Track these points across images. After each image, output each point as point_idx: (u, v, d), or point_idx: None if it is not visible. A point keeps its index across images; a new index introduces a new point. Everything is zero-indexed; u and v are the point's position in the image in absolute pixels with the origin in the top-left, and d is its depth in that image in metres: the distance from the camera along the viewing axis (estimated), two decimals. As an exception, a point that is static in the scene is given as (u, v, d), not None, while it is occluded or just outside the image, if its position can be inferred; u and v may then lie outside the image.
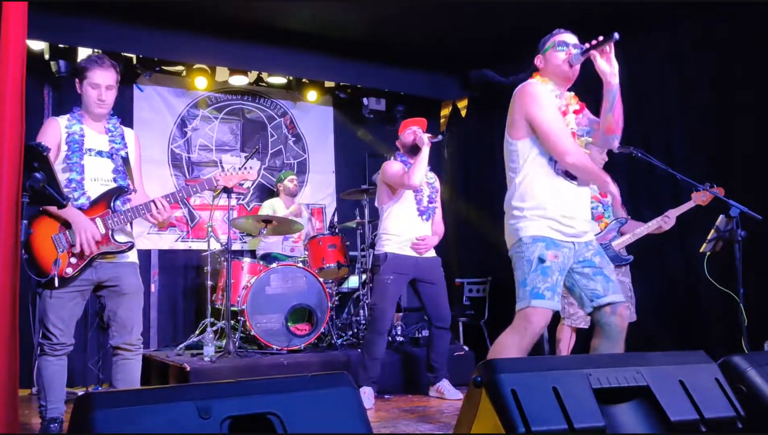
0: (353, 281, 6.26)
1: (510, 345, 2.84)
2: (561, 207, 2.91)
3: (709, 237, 4.10)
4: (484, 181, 6.99)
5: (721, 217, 4.02)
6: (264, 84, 6.87)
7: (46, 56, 5.55)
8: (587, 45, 2.91)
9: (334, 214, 6.70)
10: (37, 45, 5.52)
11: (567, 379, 1.88)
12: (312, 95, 6.87)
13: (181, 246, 6.41)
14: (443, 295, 4.65)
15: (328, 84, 6.91)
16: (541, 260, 2.82)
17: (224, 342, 5.09)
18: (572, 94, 3.09)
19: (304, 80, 6.72)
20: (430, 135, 4.50)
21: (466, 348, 5.60)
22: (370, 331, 4.54)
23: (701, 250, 4.16)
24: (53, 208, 3.03)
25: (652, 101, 5.40)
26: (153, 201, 3.21)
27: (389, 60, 6.49)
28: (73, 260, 3.09)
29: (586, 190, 3.04)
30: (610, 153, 4.56)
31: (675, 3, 5.02)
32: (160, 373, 4.98)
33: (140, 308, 3.31)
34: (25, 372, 4.92)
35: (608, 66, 2.88)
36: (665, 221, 4.36)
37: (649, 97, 5.42)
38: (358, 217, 6.11)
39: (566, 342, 4.42)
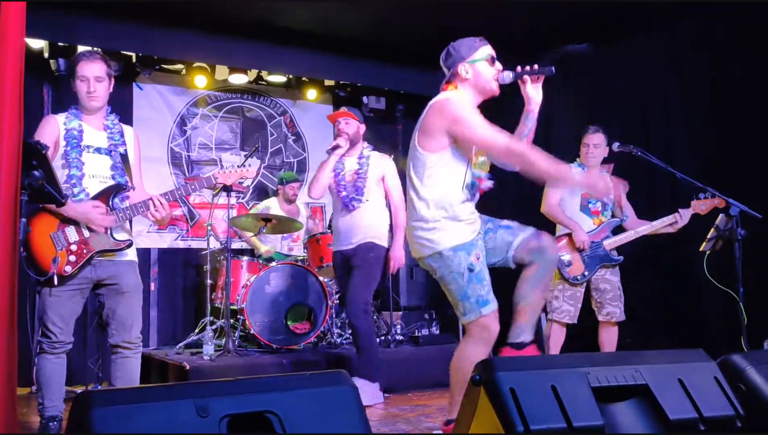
0: (353, 280, 6.25)
1: (479, 355, 2.87)
2: (467, 213, 2.97)
3: (708, 236, 4.11)
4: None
5: (721, 215, 4.03)
6: (264, 82, 6.87)
7: (46, 54, 5.54)
8: (520, 69, 2.95)
9: (333, 213, 6.70)
10: (37, 43, 5.51)
11: (566, 377, 1.88)
12: (312, 94, 6.87)
13: (180, 244, 6.41)
14: (357, 280, 4.38)
15: (328, 82, 6.91)
16: (471, 269, 2.88)
17: (224, 341, 5.09)
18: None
19: (303, 79, 6.72)
20: (336, 143, 4.43)
21: (465, 347, 5.59)
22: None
23: (701, 249, 4.16)
24: (52, 208, 3.03)
25: (652, 101, 5.40)
26: (151, 198, 3.21)
27: (389, 58, 6.48)
28: (72, 258, 3.09)
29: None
30: (610, 152, 4.57)
31: (675, 3, 5.01)
32: (159, 372, 4.98)
33: (139, 306, 3.31)
34: (23, 370, 4.92)
35: (537, 94, 2.98)
36: (677, 219, 4.34)
37: (649, 97, 5.42)
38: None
39: (554, 339, 4.42)
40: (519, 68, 2.96)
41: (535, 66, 2.93)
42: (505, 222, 3.06)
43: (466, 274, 2.89)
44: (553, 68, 2.91)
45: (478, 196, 3.07)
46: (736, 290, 3.81)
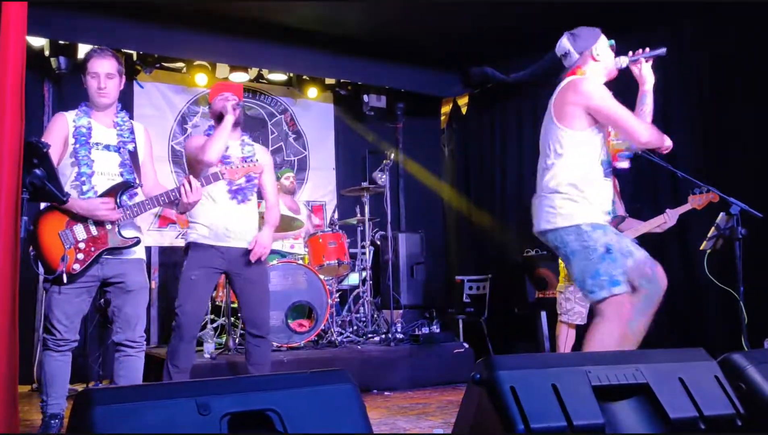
0: (353, 278, 6.26)
1: (614, 333, 2.88)
2: (604, 198, 3.05)
3: (709, 235, 4.10)
4: (484, 177, 6.99)
5: (721, 214, 4.02)
6: (264, 81, 6.87)
7: (47, 53, 5.55)
8: (632, 54, 3.17)
9: (334, 211, 6.71)
10: (38, 41, 5.52)
11: (566, 376, 1.88)
12: (312, 92, 6.87)
13: (181, 243, 6.38)
14: (261, 296, 3.84)
15: (329, 81, 6.91)
16: (608, 250, 2.88)
17: (224, 339, 5.09)
18: None
19: (304, 77, 6.72)
20: (235, 102, 3.75)
21: (465, 345, 5.60)
22: (174, 337, 3.68)
23: (701, 248, 4.16)
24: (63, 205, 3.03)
25: (654, 99, 5.39)
26: (186, 181, 3.19)
27: (390, 57, 6.49)
28: (81, 256, 3.09)
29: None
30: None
31: (675, 2, 5.01)
32: (159, 370, 4.97)
33: (145, 305, 3.31)
34: (24, 368, 4.93)
35: (650, 75, 3.19)
36: (665, 219, 4.36)
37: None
38: (358, 214, 6.12)
39: (563, 339, 4.42)
40: (631, 53, 3.17)
41: (647, 49, 3.16)
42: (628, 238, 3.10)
43: (603, 251, 2.88)
44: (665, 49, 3.17)
45: (611, 176, 3.15)
46: (736, 289, 3.80)
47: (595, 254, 2.88)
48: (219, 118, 3.73)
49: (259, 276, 3.82)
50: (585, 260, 2.89)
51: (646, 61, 3.17)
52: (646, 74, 3.18)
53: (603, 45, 3.15)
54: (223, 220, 3.69)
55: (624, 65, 3.16)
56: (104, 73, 3.22)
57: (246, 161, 3.57)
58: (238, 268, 3.74)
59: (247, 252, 3.71)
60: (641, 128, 3.02)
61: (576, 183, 2.98)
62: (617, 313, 2.88)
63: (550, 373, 1.88)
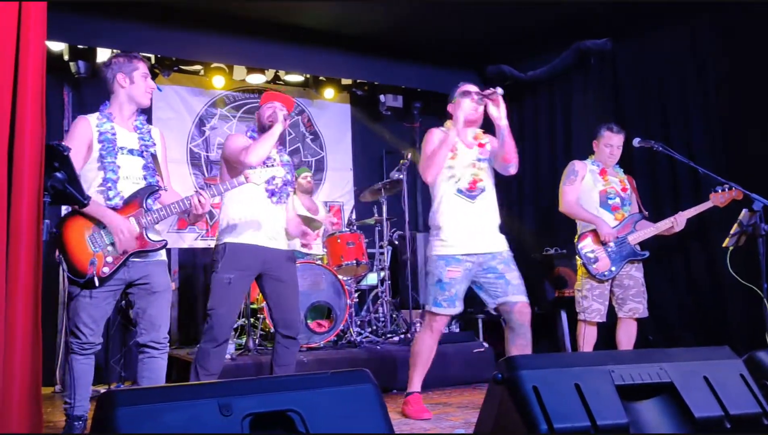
0: (372, 278, 6.26)
1: (424, 338, 3.85)
2: (461, 227, 3.74)
3: (731, 231, 4.05)
4: (501, 176, 6.94)
5: (744, 211, 3.97)
6: (281, 82, 6.89)
7: (66, 57, 5.60)
8: (476, 96, 3.74)
9: (352, 212, 6.70)
10: (57, 46, 5.57)
11: (589, 375, 1.86)
12: (329, 93, 6.87)
13: (200, 244, 6.45)
14: (293, 297, 3.80)
15: (345, 81, 6.91)
16: (440, 280, 3.73)
17: (244, 340, 5.11)
18: (480, 130, 3.93)
19: (321, 78, 6.73)
20: (286, 113, 3.77)
21: (485, 344, 5.58)
22: (206, 340, 3.62)
23: (724, 245, 4.11)
24: (87, 209, 3.03)
25: (673, 96, 5.35)
26: (196, 194, 3.20)
27: (406, 57, 6.48)
28: (109, 260, 3.08)
29: (488, 206, 3.88)
30: (632, 149, 4.54)
31: (693, 1, 4.96)
32: (180, 371, 5.01)
33: (168, 306, 3.31)
34: (47, 370, 4.98)
35: (496, 111, 3.63)
36: (675, 223, 4.31)
37: (669, 92, 5.37)
38: (376, 215, 6.11)
39: (588, 339, 4.38)
40: (475, 96, 3.74)
41: (488, 90, 3.65)
42: (512, 275, 3.78)
43: (435, 280, 3.75)
44: (500, 89, 3.59)
45: (476, 194, 3.85)
46: (760, 286, 3.75)
47: (432, 278, 3.78)
48: (262, 125, 3.81)
49: (291, 277, 3.82)
50: (427, 280, 3.85)
51: (493, 103, 3.61)
52: (491, 112, 3.63)
53: (457, 96, 3.80)
54: (263, 221, 3.71)
55: (480, 105, 3.72)
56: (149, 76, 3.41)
57: (286, 166, 3.72)
58: (273, 269, 3.75)
59: (283, 253, 3.78)
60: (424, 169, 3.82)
61: (437, 222, 3.83)
62: (428, 323, 3.81)
63: (573, 373, 1.86)
